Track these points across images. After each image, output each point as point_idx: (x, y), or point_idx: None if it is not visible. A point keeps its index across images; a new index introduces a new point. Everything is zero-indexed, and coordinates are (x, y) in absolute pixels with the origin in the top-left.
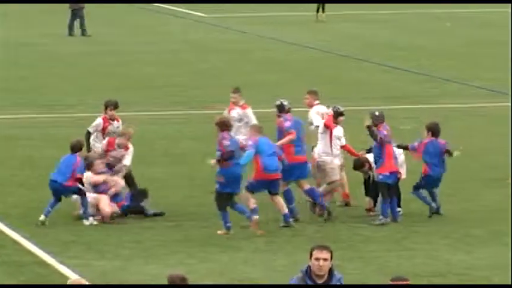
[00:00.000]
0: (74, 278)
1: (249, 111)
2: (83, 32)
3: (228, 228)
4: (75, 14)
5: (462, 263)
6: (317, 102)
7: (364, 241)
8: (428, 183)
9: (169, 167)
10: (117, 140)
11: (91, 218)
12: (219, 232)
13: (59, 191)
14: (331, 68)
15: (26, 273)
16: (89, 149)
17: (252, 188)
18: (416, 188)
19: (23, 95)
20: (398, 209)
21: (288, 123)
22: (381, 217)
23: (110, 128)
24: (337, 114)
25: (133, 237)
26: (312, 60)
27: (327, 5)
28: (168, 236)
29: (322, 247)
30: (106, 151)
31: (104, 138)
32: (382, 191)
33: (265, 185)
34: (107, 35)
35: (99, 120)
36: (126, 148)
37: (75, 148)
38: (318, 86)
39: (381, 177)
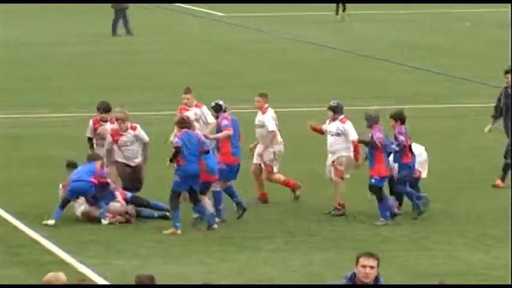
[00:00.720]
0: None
1: (205, 109)
2: (128, 31)
3: (176, 228)
4: (119, 14)
5: (481, 263)
6: (267, 105)
7: (383, 241)
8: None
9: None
10: (116, 125)
11: (108, 218)
12: (164, 232)
13: (81, 190)
14: (350, 68)
15: (46, 273)
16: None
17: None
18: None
19: (32, 95)
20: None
21: (225, 122)
22: (382, 219)
23: (100, 129)
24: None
25: (153, 236)
26: (331, 59)
27: (347, 5)
28: (187, 235)
29: (369, 254)
30: (115, 141)
31: (96, 141)
32: (377, 194)
33: (205, 185)
34: (120, 34)
35: (90, 122)
36: (133, 128)
37: (93, 157)
38: (336, 85)
39: (373, 180)
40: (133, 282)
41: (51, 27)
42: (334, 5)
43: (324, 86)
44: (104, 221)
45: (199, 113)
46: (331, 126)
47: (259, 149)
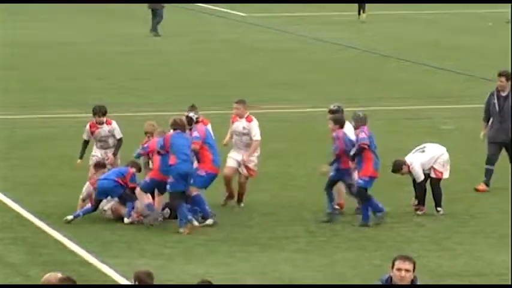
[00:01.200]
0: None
1: (254, 124)
2: (156, 31)
3: (189, 221)
4: (156, 14)
5: (504, 263)
6: (247, 113)
7: (405, 241)
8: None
9: None
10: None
11: (132, 216)
12: (182, 231)
13: (106, 188)
14: (372, 68)
15: (68, 273)
16: (81, 156)
17: (147, 188)
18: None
19: (62, 95)
20: (439, 208)
21: (195, 134)
22: (362, 221)
23: (97, 132)
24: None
25: (175, 236)
26: (354, 60)
27: (369, 5)
28: (210, 236)
29: (404, 257)
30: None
31: (96, 143)
32: (361, 195)
33: (162, 185)
34: (147, 35)
35: (87, 126)
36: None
37: (131, 164)
38: (359, 85)
39: (360, 181)
40: (155, 283)
41: (83, 28)
42: (356, 5)
43: (346, 86)
44: (127, 220)
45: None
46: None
47: (243, 156)
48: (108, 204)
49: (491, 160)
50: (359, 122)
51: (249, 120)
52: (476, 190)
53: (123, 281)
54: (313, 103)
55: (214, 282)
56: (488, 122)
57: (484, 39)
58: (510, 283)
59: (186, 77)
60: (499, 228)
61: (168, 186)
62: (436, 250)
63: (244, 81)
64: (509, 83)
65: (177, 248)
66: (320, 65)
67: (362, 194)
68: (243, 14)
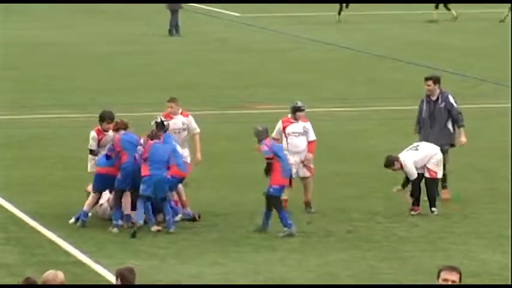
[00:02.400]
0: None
1: (191, 118)
2: (175, 31)
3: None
4: (175, 14)
5: (498, 263)
6: (180, 109)
7: (399, 241)
8: None
9: (205, 167)
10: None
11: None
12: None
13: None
14: (366, 68)
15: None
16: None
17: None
18: None
19: (57, 95)
20: (433, 209)
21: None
22: (285, 229)
23: (104, 139)
24: (295, 110)
25: (168, 237)
26: (347, 60)
27: (364, 6)
28: (203, 236)
29: (451, 268)
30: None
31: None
32: (275, 204)
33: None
34: (141, 34)
35: (92, 134)
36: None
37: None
38: (354, 85)
39: (271, 190)
40: (149, 283)
41: (80, 28)
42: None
43: (341, 86)
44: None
45: (187, 121)
46: (295, 127)
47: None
48: (105, 197)
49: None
50: (260, 136)
51: (305, 121)
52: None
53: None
54: (308, 103)
55: (208, 283)
56: (421, 128)
57: (478, 39)
58: (510, 283)
59: (181, 77)
60: (492, 229)
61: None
62: (430, 250)
63: (238, 82)
64: (437, 86)
65: (170, 249)
66: (314, 65)
67: (276, 203)
68: (237, 14)
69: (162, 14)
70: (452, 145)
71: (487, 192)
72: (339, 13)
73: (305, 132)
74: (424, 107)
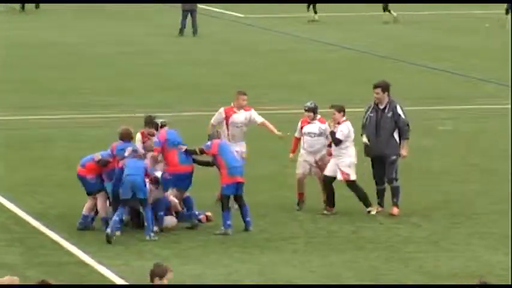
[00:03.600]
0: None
1: (253, 111)
2: (195, 32)
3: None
4: (193, 15)
5: (500, 264)
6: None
7: (402, 242)
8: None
9: (208, 169)
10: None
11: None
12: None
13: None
14: (368, 69)
15: (65, 273)
16: None
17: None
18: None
19: (60, 95)
20: (369, 209)
21: (155, 139)
22: (222, 228)
23: (148, 143)
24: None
25: (172, 237)
26: (349, 60)
27: (365, 6)
28: (207, 236)
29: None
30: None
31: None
32: (223, 201)
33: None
34: (143, 35)
35: (138, 136)
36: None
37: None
38: (356, 86)
39: (222, 187)
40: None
41: (80, 29)
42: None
43: (343, 86)
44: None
45: (248, 117)
46: (312, 127)
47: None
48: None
49: (376, 179)
50: (213, 137)
51: (322, 122)
52: (368, 212)
53: (120, 282)
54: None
55: (211, 283)
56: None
57: (481, 40)
58: (510, 283)
59: (183, 78)
60: (495, 229)
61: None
62: (432, 251)
63: (241, 82)
64: (386, 94)
65: (174, 249)
66: (317, 66)
67: (224, 201)
68: (240, 15)
69: (165, 15)
70: (399, 155)
71: (491, 193)
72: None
73: (321, 133)
74: (371, 115)
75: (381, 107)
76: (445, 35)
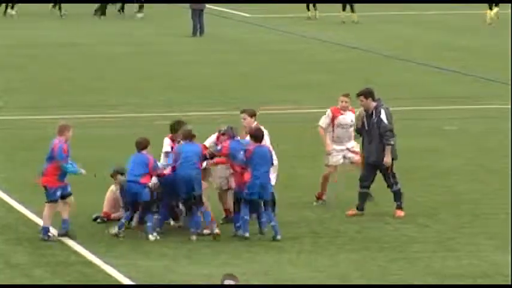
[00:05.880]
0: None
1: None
2: (199, 31)
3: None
4: (201, 15)
5: (508, 264)
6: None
7: (409, 242)
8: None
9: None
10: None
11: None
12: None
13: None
14: (375, 69)
15: (72, 273)
16: None
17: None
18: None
19: (69, 96)
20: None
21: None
22: (192, 230)
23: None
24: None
25: (179, 237)
26: (356, 60)
27: (372, 6)
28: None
29: None
30: None
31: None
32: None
33: None
34: (151, 35)
35: (167, 141)
36: None
37: (142, 145)
38: (361, 86)
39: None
40: (159, 283)
41: (87, 29)
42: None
43: (351, 86)
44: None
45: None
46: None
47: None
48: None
49: (362, 182)
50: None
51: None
52: (347, 215)
53: (127, 282)
54: (318, 104)
55: (218, 283)
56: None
57: (487, 40)
58: (510, 283)
59: (191, 78)
60: (503, 229)
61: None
62: (440, 251)
63: (248, 82)
64: (370, 100)
65: (181, 249)
66: (324, 66)
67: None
68: (246, 15)
69: (173, 15)
70: (393, 159)
71: (498, 193)
72: (344, 9)
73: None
74: (365, 121)
75: (369, 112)
76: (452, 35)
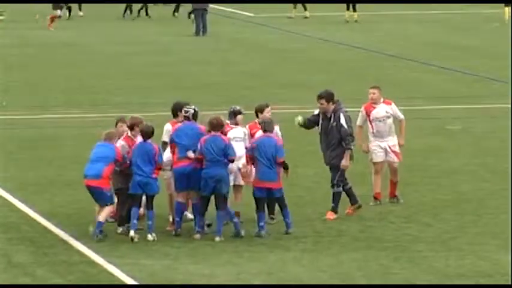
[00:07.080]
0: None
1: (394, 105)
2: (202, 31)
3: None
4: (204, 15)
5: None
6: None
7: (412, 241)
8: None
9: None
10: None
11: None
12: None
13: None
14: (378, 68)
15: (75, 273)
16: None
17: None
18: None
19: (70, 95)
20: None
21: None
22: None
23: None
24: (234, 114)
25: (181, 237)
26: (359, 59)
27: (375, 5)
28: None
29: None
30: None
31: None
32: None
33: None
34: (154, 34)
35: (168, 126)
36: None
37: (148, 134)
38: (366, 85)
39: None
40: (161, 282)
41: (89, 29)
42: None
43: (353, 86)
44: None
45: (390, 111)
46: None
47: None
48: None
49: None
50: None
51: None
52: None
53: (129, 281)
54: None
55: (221, 283)
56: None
57: (490, 39)
58: (510, 283)
59: (194, 77)
60: (506, 229)
61: None
62: (443, 250)
63: (252, 82)
64: (331, 104)
65: (183, 248)
66: (327, 65)
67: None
68: (250, 14)
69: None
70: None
71: (501, 193)
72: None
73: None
74: (321, 123)
75: (328, 115)
76: (455, 34)
